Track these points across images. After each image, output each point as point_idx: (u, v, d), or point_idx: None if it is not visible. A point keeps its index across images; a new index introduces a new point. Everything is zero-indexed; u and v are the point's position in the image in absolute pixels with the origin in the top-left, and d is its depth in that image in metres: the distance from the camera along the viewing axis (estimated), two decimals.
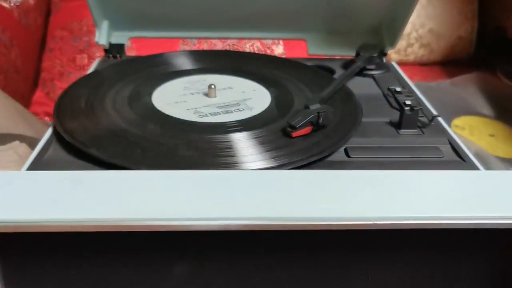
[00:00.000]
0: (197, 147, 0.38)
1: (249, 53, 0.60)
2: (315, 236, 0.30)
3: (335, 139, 0.40)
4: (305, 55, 0.62)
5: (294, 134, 0.39)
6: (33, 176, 0.30)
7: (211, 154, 0.37)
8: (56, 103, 0.44)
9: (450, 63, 1.02)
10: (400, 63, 0.61)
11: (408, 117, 0.42)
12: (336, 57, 0.62)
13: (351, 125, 0.42)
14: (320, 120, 0.40)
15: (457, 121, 0.73)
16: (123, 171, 0.32)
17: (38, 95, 0.79)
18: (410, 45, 0.99)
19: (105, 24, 0.58)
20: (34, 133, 0.58)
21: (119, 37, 0.60)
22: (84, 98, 0.45)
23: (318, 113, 0.40)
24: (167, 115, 0.42)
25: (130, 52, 0.76)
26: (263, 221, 0.27)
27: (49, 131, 0.41)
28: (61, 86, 0.75)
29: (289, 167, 0.36)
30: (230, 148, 0.38)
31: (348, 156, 0.39)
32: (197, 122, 0.41)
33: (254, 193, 0.30)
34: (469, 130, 0.71)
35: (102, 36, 0.58)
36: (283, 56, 0.80)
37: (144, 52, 0.57)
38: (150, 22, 0.59)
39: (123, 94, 0.45)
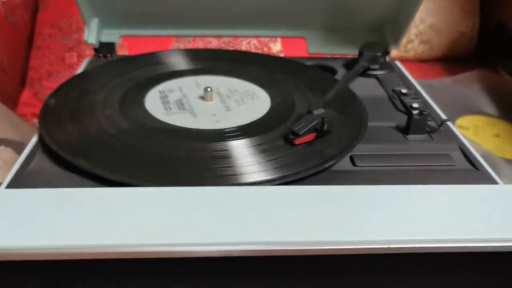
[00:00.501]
0: (192, 157, 0.35)
1: (247, 53, 0.58)
2: (322, 261, 0.27)
3: (341, 147, 0.37)
4: (304, 54, 0.59)
5: (297, 141, 0.37)
6: (12, 195, 0.28)
7: (208, 165, 0.34)
8: (41, 108, 0.41)
9: (450, 60, 0.99)
10: (400, 60, 0.58)
11: (416, 122, 0.40)
12: (336, 56, 0.59)
13: (356, 131, 0.39)
14: (325, 127, 0.37)
15: (461, 121, 0.71)
16: (113, 189, 0.30)
17: (26, 95, 0.76)
18: (410, 41, 0.96)
19: (94, 22, 0.55)
20: (20, 136, 0.55)
21: (109, 35, 0.57)
22: (72, 103, 0.42)
23: (322, 118, 0.37)
24: (161, 122, 0.40)
25: (121, 51, 0.73)
26: (268, 246, 0.25)
27: (34, 139, 0.38)
28: (50, 86, 0.72)
29: (293, 178, 0.33)
30: (229, 157, 0.35)
31: (354, 164, 0.37)
32: (192, 129, 0.39)
33: (257, 214, 0.28)
34: (474, 130, 0.69)
35: (92, 34, 0.55)
36: (281, 55, 0.77)
37: (136, 51, 0.54)
38: (143, 19, 0.56)
39: (115, 98, 0.43)
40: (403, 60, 0.96)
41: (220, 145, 0.37)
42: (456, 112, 0.72)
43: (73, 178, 0.34)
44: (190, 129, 0.39)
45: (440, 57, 1.00)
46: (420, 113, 0.40)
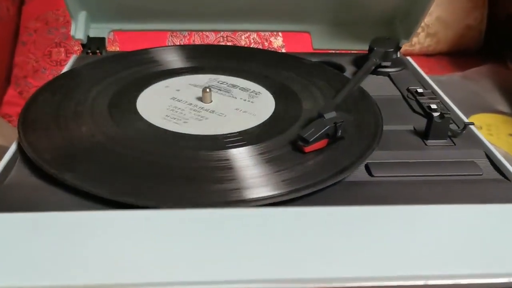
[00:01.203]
0: (191, 167, 0.31)
1: (248, 48, 0.54)
2: None
3: (356, 155, 0.33)
4: (307, 49, 0.55)
5: (307, 149, 0.33)
6: None
7: (207, 178, 0.31)
8: (21, 111, 0.37)
9: (458, 54, 0.96)
10: (405, 54, 0.54)
11: (437, 126, 0.36)
12: (343, 52, 0.55)
13: (372, 136, 0.36)
14: (339, 133, 0.33)
15: (473, 119, 0.67)
16: (100, 213, 0.26)
17: (10, 94, 0.71)
18: (415, 34, 0.92)
19: (82, 16, 0.51)
20: (2, 139, 0.51)
21: (99, 30, 0.53)
22: (56, 106, 0.38)
23: (335, 123, 0.33)
24: (155, 127, 0.36)
25: (112, 46, 0.69)
26: (277, 284, 0.21)
27: (13, 147, 0.34)
28: (35, 84, 0.68)
29: (303, 193, 0.30)
30: (230, 168, 0.31)
31: (370, 174, 0.33)
32: (188, 135, 0.35)
33: (263, 245, 0.24)
34: (487, 130, 0.65)
35: (79, 29, 0.51)
36: (283, 50, 0.73)
37: (128, 47, 0.50)
38: (134, 13, 0.52)
39: (104, 100, 0.39)
40: (408, 55, 0.93)
41: (220, 154, 0.33)
42: (467, 109, 0.68)
43: (58, 194, 0.30)
44: (187, 135, 0.35)
45: (447, 51, 0.96)
46: (441, 116, 0.36)
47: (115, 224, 0.25)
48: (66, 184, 0.29)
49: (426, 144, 0.36)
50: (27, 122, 0.36)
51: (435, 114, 0.37)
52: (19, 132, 0.34)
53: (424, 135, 0.37)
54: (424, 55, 0.95)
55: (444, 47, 0.95)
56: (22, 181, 0.31)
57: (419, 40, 0.93)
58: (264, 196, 0.29)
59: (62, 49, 0.70)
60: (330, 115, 0.34)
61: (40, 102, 0.38)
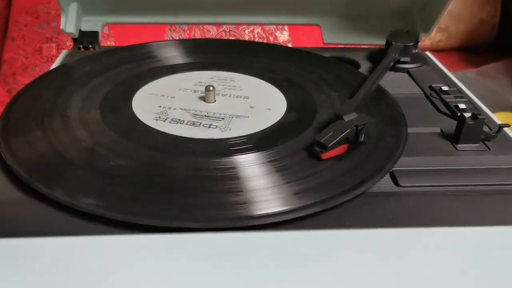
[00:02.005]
0: (192, 176, 0.27)
1: (255, 43, 0.49)
2: None
3: (380, 162, 0.29)
4: (316, 44, 0.51)
5: (325, 155, 0.29)
6: None
7: (209, 189, 0.27)
8: (1, 115, 0.33)
9: (469, 50, 0.91)
10: None
11: (470, 128, 0.32)
12: (356, 46, 0.51)
13: (396, 140, 0.32)
14: (361, 137, 0.29)
15: None
16: (87, 238, 0.22)
17: None
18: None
19: (73, 7, 0.47)
20: None
21: (91, 23, 0.49)
22: (42, 108, 0.34)
23: (357, 126, 0.29)
24: (153, 130, 0.32)
25: (107, 42, 0.65)
26: None
27: None
28: (25, 82, 0.64)
29: (320, 209, 0.26)
30: (236, 179, 0.27)
31: (397, 184, 0.29)
32: (188, 138, 0.31)
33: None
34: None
35: (70, 22, 0.46)
36: (289, 45, 0.69)
37: (124, 43, 0.46)
38: (130, 4, 0.48)
39: (96, 101, 0.34)
40: None
41: (224, 161, 0.29)
42: None
43: (43, 210, 0.26)
44: (188, 139, 0.31)
45: (458, 47, 0.92)
46: (474, 117, 0.32)
47: (107, 251, 0.21)
48: (53, 199, 0.26)
49: (456, 149, 0.32)
50: (8, 127, 0.32)
51: (467, 114, 0.33)
52: None
53: (454, 138, 0.33)
54: (434, 51, 0.91)
55: (455, 42, 0.91)
56: (2, 193, 0.27)
57: (430, 35, 0.88)
58: (273, 212, 0.25)
59: (54, 45, 0.66)
60: (350, 116, 0.30)
61: (23, 104, 0.34)
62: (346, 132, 0.29)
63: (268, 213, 0.25)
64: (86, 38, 0.48)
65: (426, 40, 0.90)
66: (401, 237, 0.24)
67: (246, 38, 0.67)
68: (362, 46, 0.50)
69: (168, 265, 0.22)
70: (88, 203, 0.25)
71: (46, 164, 0.28)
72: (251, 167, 0.28)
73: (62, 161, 0.28)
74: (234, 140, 0.31)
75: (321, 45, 0.50)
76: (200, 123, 0.33)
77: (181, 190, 0.26)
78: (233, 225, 0.24)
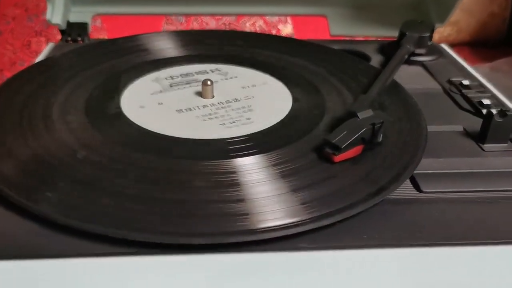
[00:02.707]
0: (191, 184, 0.24)
1: (257, 34, 0.46)
2: None
3: (399, 165, 0.26)
4: (322, 36, 0.48)
5: (337, 158, 0.25)
6: None
7: (207, 197, 0.23)
8: None
9: (480, 44, 0.88)
10: None
11: (498, 126, 0.29)
12: (364, 38, 0.48)
13: (415, 140, 0.28)
14: (379, 137, 0.26)
15: None
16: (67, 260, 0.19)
17: None
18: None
19: None
20: None
21: (80, 14, 0.45)
22: (21, 107, 0.30)
23: (373, 124, 0.26)
24: (142, 129, 0.28)
25: (99, 34, 0.61)
26: None
27: None
28: None
29: (333, 221, 0.22)
30: (236, 185, 0.24)
31: (419, 190, 0.26)
32: (181, 138, 0.27)
33: None
34: None
35: (56, 12, 0.43)
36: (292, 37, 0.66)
37: (117, 35, 0.42)
38: None
39: (81, 98, 0.31)
40: None
41: (223, 165, 0.25)
42: None
43: (25, 226, 0.22)
44: (181, 139, 0.27)
45: (468, 41, 0.88)
46: (503, 114, 0.29)
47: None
48: (37, 215, 0.22)
49: (483, 149, 0.29)
50: None
51: (493, 111, 0.29)
52: None
53: (479, 137, 0.30)
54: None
55: (465, 37, 0.87)
56: None
57: (439, 28, 0.85)
58: (279, 225, 0.22)
59: (43, 39, 0.63)
60: (365, 114, 0.27)
61: (2, 101, 0.31)
62: (362, 131, 0.26)
63: (271, 226, 0.22)
64: (74, 30, 0.44)
65: (434, 34, 0.86)
66: (435, 257, 0.21)
67: (247, 30, 0.64)
68: (370, 38, 0.47)
69: None
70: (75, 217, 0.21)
71: (27, 173, 0.25)
72: (254, 172, 0.25)
73: (42, 169, 0.25)
74: (233, 140, 0.27)
75: (327, 38, 0.47)
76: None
77: (178, 200, 0.23)
78: (230, 240, 0.21)
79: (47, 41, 0.63)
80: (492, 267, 0.21)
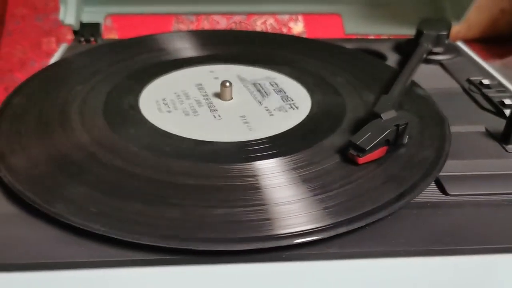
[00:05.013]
0: (204, 187, 0.24)
1: (273, 35, 0.45)
2: None
3: (424, 167, 0.25)
4: (335, 35, 0.47)
5: (362, 160, 0.25)
6: None
7: (227, 203, 0.23)
8: None
9: (490, 41, 0.87)
10: None
11: None
12: (371, 37, 0.47)
13: (439, 141, 0.28)
14: (405, 138, 0.26)
15: None
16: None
17: None
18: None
19: None
20: None
21: (93, 14, 0.45)
22: (38, 108, 0.30)
23: (398, 126, 0.26)
24: (160, 131, 0.28)
25: (110, 34, 0.61)
26: None
27: None
28: (23, 78, 0.60)
29: (358, 225, 0.22)
30: (257, 188, 0.24)
31: (444, 192, 0.25)
32: (200, 141, 0.27)
33: None
34: None
35: (69, 12, 0.43)
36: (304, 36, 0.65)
37: (128, 34, 0.42)
38: None
39: (99, 99, 0.31)
40: None
41: (241, 168, 0.25)
42: None
43: (43, 230, 0.22)
44: (200, 142, 0.27)
45: (478, 38, 0.87)
46: None
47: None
48: (55, 219, 0.22)
49: (507, 150, 0.29)
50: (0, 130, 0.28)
51: None
52: None
53: (503, 138, 0.29)
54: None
55: (475, 33, 0.86)
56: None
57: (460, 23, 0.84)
58: (300, 231, 0.21)
59: (53, 39, 0.62)
60: (389, 114, 0.26)
61: (17, 102, 0.31)
62: (386, 132, 0.25)
63: (292, 232, 0.21)
64: (87, 30, 0.44)
65: None
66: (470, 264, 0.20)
67: (258, 29, 0.63)
68: (383, 37, 0.47)
69: None
70: (95, 221, 0.21)
71: (44, 175, 0.24)
72: (274, 176, 0.24)
73: (61, 170, 0.25)
74: (253, 144, 0.27)
75: (339, 36, 0.46)
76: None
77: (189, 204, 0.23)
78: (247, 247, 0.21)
79: (57, 41, 0.62)
80: None
